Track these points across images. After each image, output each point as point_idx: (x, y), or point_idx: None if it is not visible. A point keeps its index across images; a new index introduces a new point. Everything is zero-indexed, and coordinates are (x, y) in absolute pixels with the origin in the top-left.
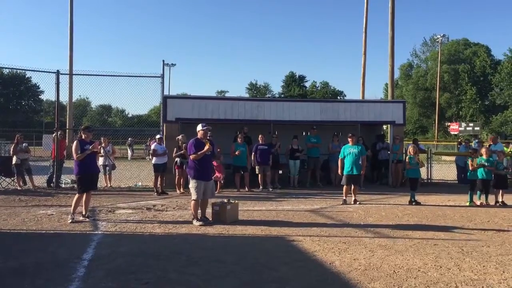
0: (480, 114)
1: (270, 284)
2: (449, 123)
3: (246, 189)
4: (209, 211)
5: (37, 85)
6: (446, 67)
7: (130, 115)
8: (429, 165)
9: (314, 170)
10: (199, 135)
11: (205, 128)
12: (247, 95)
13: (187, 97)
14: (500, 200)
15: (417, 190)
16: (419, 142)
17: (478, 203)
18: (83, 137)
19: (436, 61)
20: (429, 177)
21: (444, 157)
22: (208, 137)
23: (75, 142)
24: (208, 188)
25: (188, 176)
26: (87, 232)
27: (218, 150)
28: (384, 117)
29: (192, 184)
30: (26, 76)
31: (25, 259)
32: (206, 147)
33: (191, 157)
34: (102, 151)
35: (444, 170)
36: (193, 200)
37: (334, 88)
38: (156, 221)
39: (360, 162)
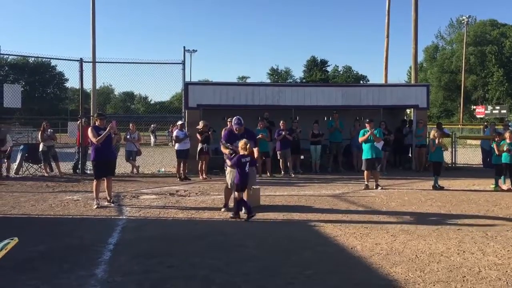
0: (507, 97)
1: (291, 268)
2: (474, 106)
3: (268, 174)
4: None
5: (62, 73)
6: (472, 49)
7: (152, 102)
8: (453, 149)
9: (336, 155)
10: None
11: (232, 122)
12: (268, 81)
13: (208, 84)
14: None
15: (440, 174)
16: (443, 126)
17: (504, 187)
18: (97, 123)
19: (462, 43)
20: (453, 161)
21: (469, 141)
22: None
23: (90, 129)
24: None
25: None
26: (112, 217)
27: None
28: (407, 101)
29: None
30: (51, 65)
31: (53, 243)
32: (227, 151)
33: (221, 145)
34: (128, 136)
35: (469, 154)
36: (226, 187)
37: (357, 72)
38: (179, 207)
39: (376, 144)
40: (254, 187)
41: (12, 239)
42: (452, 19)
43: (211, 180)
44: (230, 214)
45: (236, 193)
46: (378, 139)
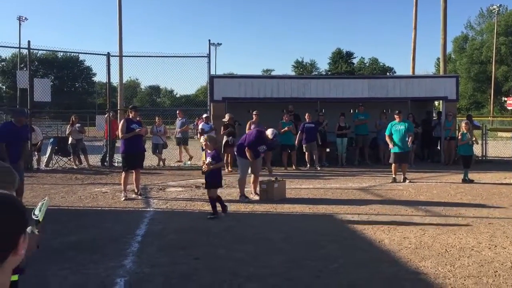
0: None
1: (318, 261)
2: (505, 98)
3: (294, 167)
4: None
5: (90, 67)
6: (503, 39)
7: (178, 95)
8: (484, 141)
9: (362, 148)
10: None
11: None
12: (293, 73)
13: (233, 77)
14: None
15: (470, 167)
16: (473, 118)
17: None
18: (131, 116)
19: (493, 33)
20: (484, 154)
21: (500, 133)
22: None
23: (122, 121)
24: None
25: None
26: (140, 209)
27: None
28: (435, 92)
29: (238, 161)
30: (79, 59)
31: (83, 234)
32: (249, 155)
33: (247, 148)
34: (154, 130)
35: (500, 146)
36: (239, 179)
37: (383, 64)
38: (205, 199)
39: (407, 139)
40: (276, 179)
41: (44, 199)
42: (482, 8)
43: (237, 173)
44: (256, 206)
45: (207, 190)
46: (411, 134)
